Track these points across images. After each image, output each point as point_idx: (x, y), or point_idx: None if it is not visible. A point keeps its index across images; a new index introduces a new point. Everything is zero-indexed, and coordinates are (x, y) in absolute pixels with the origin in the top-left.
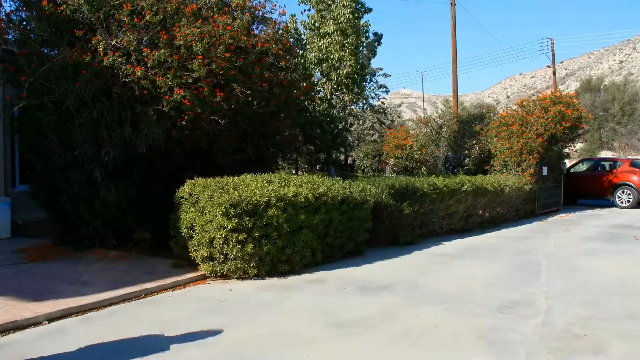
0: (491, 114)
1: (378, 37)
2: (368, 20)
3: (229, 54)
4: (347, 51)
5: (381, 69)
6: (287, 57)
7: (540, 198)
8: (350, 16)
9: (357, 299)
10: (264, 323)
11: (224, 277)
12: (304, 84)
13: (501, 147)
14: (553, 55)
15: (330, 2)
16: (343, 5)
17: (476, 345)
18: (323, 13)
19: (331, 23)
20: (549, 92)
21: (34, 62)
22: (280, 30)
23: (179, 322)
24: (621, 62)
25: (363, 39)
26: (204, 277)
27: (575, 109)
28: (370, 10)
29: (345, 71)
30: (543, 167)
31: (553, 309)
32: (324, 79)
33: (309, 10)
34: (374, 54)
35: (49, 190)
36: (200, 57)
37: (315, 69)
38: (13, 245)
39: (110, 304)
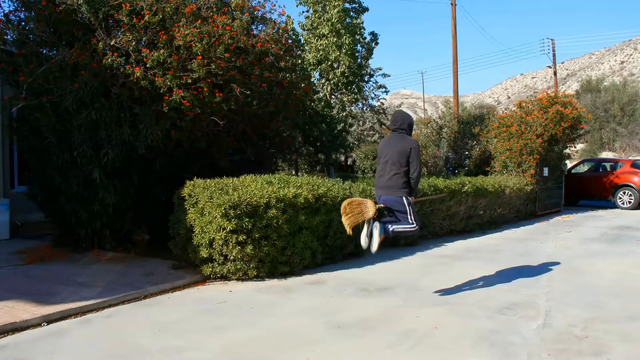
0: (490, 116)
1: (374, 37)
2: (362, 19)
3: (229, 54)
4: (342, 51)
5: (380, 69)
6: (287, 57)
7: (541, 199)
8: (342, 14)
9: (357, 300)
10: (263, 324)
11: (224, 278)
12: (303, 85)
13: (501, 148)
14: (554, 55)
15: (325, 3)
16: (333, 6)
17: (477, 347)
18: (320, 14)
19: (325, 24)
20: (546, 93)
21: (32, 63)
22: (280, 30)
23: (178, 323)
24: (622, 62)
25: (359, 38)
26: (203, 279)
27: (574, 109)
28: (366, 9)
29: (340, 71)
30: (544, 168)
31: (554, 310)
32: (323, 80)
33: (307, 11)
34: (371, 53)
35: (48, 191)
36: (200, 57)
37: (314, 70)
38: (11, 246)
39: (109, 306)
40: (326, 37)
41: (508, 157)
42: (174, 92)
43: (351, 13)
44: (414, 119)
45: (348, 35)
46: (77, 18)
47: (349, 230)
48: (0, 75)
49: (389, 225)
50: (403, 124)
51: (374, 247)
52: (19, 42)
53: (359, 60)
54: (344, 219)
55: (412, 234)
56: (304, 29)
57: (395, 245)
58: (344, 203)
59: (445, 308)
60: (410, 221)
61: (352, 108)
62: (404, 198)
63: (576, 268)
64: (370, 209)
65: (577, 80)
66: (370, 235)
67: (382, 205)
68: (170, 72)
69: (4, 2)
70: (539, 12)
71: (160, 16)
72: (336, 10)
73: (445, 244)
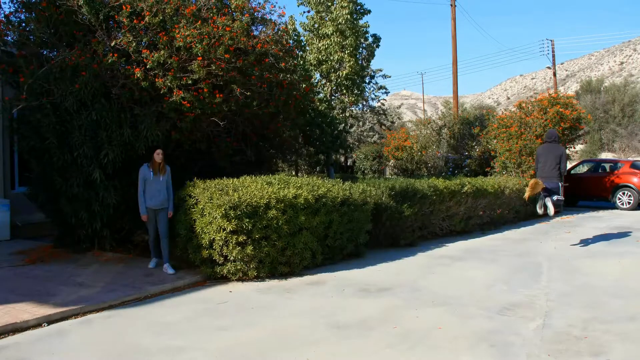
0: (490, 117)
1: (377, 39)
2: (367, 22)
3: (229, 55)
4: (346, 52)
5: (381, 70)
6: (287, 58)
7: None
8: (349, 17)
9: (357, 300)
10: (263, 325)
11: (224, 278)
12: (304, 85)
13: (501, 148)
14: (553, 56)
15: (329, 4)
16: (341, 7)
17: (477, 347)
18: (322, 14)
19: (330, 24)
20: (548, 93)
21: (33, 64)
22: (280, 32)
23: (178, 324)
24: (622, 63)
25: (362, 39)
26: (203, 279)
27: (574, 110)
28: (369, 11)
29: (344, 73)
30: None
31: (554, 311)
32: (324, 80)
33: (309, 11)
34: (373, 56)
35: (48, 191)
36: (200, 58)
37: (315, 70)
38: (12, 247)
39: (110, 306)
40: (329, 37)
41: (508, 158)
42: (174, 93)
43: (354, 15)
44: (414, 120)
45: (353, 37)
46: (78, 19)
47: (527, 197)
48: (1, 77)
49: (553, 197)
50: (555, 138)
51: (551, 211)
52: (19, 43)
53: (360, 61)
54: (528, 192)
55: (562, 203)
56: (305, 29)
57: (395, 246)
58: (532, 181)
59: (445, 308)
60: (562, 196)
61: (353, 109)
62: (559, 183)
63: (575, 268)
64: (541, 187)
65: (576, 81)
66: (544, 206)
67: (545, 186)
68: (170, 73)
69: (5, 3)
70: (539, 13)
71: (161, 17)
72: (345, 11)
73: (446, 244)
